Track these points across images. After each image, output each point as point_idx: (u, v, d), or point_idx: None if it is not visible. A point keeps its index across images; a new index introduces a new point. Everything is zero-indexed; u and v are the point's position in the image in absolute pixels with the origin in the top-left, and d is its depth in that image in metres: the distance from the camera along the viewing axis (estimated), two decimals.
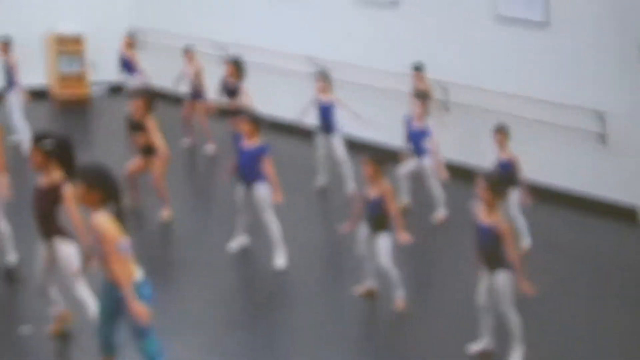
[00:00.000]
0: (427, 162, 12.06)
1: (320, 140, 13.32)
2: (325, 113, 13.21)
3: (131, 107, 11.84)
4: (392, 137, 13.67)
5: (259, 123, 10.40)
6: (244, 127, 10.36)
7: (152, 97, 12.04)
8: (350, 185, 12.98)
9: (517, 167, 10.79)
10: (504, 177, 8.54)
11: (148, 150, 11.70)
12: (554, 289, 9.73)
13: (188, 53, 16.21)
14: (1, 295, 9.45)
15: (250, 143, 10.29)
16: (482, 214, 7.82)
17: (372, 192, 8.98)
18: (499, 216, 7.80)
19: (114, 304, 6.77)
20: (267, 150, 10.27)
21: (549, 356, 8.12)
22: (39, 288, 8.10)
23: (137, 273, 6.78)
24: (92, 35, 20.70)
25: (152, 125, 11.59)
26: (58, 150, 7.81)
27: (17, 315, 8.94)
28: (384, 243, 9.02)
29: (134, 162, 11.90)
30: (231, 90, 14.25)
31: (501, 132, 10.92)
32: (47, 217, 7.89)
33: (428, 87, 14.09)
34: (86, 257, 7.38)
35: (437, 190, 12.09)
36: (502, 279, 7.75)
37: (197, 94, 15.86)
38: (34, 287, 8.13)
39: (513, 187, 10.66)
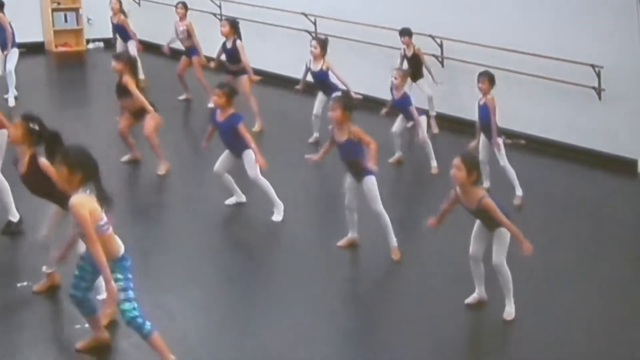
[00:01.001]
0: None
1: (318, 99, 13.37)
2: (320, 80, 13.26)
3: (115, 69, 11.76)
4: (383, 91, 13.66)
5: (232, 95, 10.39)
6: (218, 100, 10.31)
7: (133, 60, 12.00)
8: None
9: (492, 112, 10.78)
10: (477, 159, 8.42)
11: (138, 113, 11.75)
12: (554, 242, 9.77)
13: (179, 9, 16.03)
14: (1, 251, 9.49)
15: (224, 115, 10.31)
16: (463, 199, 7.83)
17: (341, 136, 9.06)
18: (479, 193, 7.79)
19: (93, 269, 6.84)
20: (239, 119, 10.28)
21: (543, 309, 8.14)
22: (43, 245, 8.12)
23: (121, 248, 6.81)
24: None
25: (134, 89, 11.57)
26: (46, 138, 7.81)
27: (15, 271, 8.97)
28: (369, 187, 9.10)
29: (123, 119, 11.98)
30: (230, 52, 14.17)
31: (484, 80, 10.90)
32: (51, 194, 7.88)
33: (417, 51, 14.08)
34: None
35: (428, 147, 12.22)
36: (501, 235, 7.82)
37: (191, 50, 15.77)
38: (39, 243, 8.16)
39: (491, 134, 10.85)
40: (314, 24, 16.49)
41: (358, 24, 15.37)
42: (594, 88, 12.48)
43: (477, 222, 8.01)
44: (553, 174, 12.47)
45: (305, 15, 16.54)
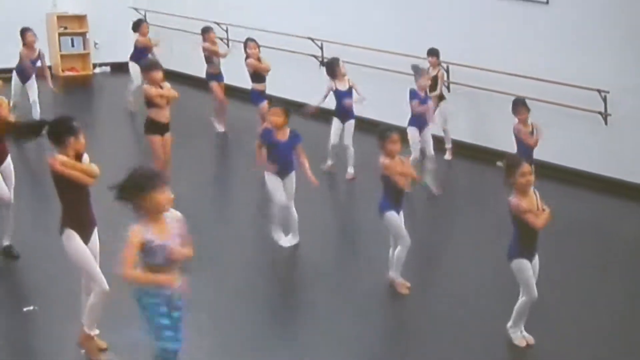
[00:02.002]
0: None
1: (336, 125, 13.24)
2: (341, 100, 13.11)
3: (151, 80, 11.31)
4: (391, 116, 13.66)
5: (289, 112, 10.14)
6: (277, 119, 10.01)
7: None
8: (351, 170, 12.99)
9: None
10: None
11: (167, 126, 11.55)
12: (560, 265, 9.77)
13: (206, 34, 15.91)
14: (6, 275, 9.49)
15: (283, 134, 10.04)
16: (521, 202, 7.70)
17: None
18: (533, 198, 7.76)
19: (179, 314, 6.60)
20: (300, 138, 10.08)
21: (546, 328, 8.12)
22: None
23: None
24: (93, 15, 20.71)
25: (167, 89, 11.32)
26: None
27: (21, 295, 8.96)
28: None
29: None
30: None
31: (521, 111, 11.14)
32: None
33: (440, 74, 14.01)
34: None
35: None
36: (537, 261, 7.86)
37: (219, 75, 15.73)
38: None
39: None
40: (321, 48, 16.53)
41: (364, 49, 15.40)
42: (600, 113, 12.49)
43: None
44: (559, 199, 12.38)
45: (312, 39, 16.59)
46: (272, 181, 10.13)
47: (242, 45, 14.93)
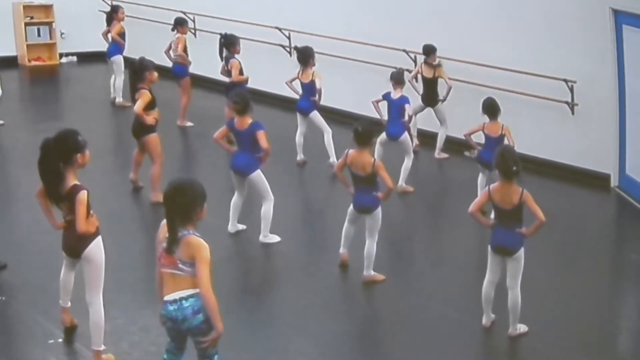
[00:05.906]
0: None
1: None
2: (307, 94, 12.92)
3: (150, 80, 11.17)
4: (355, 105, 13.61)
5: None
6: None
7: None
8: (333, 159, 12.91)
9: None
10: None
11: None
12: (528, 255, 9.79)
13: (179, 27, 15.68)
14: None
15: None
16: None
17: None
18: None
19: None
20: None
21: (521, 319, 8.17)
22: None
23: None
24: (60, 5, 20.56)
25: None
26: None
27: None
28: (376, 218, 9.07)
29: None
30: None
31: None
32: None
33: (438, 71, 13.55)
34: None
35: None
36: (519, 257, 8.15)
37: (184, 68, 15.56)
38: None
39: None
40: (288, 38, 16.49)
41: (332, 39, 15.39)
42: (567, 103, 12.54)
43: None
44: (526, 189, 12.47)
45: (280, 29, 16.55)
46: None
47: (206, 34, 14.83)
